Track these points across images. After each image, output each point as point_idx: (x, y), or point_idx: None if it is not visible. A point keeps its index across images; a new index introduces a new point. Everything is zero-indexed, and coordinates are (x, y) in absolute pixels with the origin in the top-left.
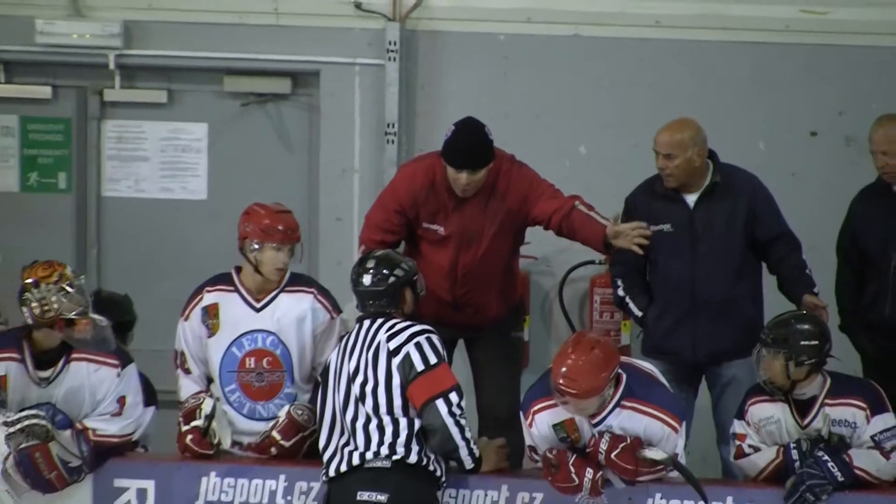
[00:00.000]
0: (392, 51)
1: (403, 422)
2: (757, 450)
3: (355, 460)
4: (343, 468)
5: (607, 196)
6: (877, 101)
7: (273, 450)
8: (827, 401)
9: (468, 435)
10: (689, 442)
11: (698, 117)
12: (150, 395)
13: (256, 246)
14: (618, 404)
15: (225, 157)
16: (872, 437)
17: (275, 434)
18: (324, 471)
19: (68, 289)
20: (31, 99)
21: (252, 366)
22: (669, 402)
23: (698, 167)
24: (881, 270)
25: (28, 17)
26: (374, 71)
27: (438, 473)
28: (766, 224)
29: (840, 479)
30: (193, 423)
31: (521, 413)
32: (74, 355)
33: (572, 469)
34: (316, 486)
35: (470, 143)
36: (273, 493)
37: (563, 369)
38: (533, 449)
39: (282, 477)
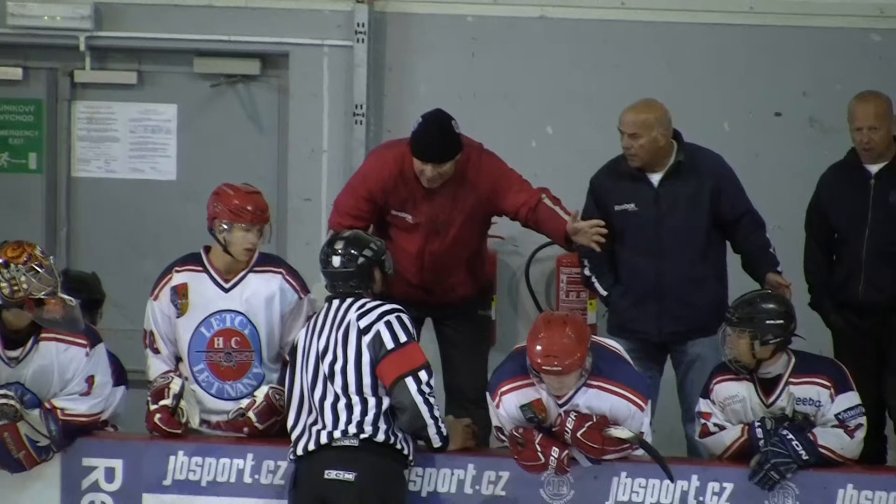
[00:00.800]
0: (360, 32)
1: (372, 401)
2: (722, 428)
3: (323, 439)
4: (311, 447)
5: (573, 175)
6: (841, 83)
7: (246, 430)
8: (792, 379)
9: (437, 413)
10: (655, 420)
11: (664, 98)
12: (121, 375)
13: (225, 226)
14: (584, 382)
15: (195, 138)
16: (837, 416)
17: (251, 415)
18: (291, 449)
19: (38, 269)
20: (2, 80)
21: (221, 346)
22: (635, 380)
23: (663, 147)
24: (853, 249)
25: None
26: (343, 52)
27: (406, 452)
28: (730, 203)
29: (804, 457)
30: (162, 403)
31: (487, 394)
32: (44, 335)
33: (539, 448)
34: (283, 464)
35: (436, 136)
36: (241, 472)
37: (540, 348)
38: (499, 429)
39: (249, 456)
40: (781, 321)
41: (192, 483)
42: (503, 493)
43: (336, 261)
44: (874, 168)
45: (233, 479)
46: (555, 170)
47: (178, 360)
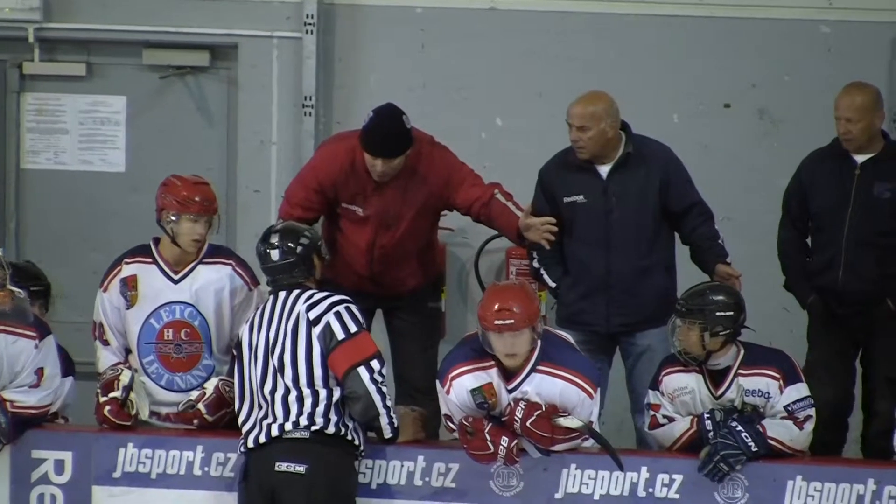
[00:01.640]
0: (310, 24)
1: (323, 393)
2: (671, 420)
3: (275, 432)
4: (262, 439)
5: (523, 167)
6: (790, 74)
7: (196, 422)
8: (741, 371)
9: (389, 403)
10: (604, 412)
11: (613, 90)
12: (68, 366)
13: (174, 217)
14: (533, 369)
15: (144, 130)
16: (786, 407)
17: (200, 407)
18: (242, 441)
19: None
20: None
21: (170, 337)
22: (585, 367)
23: (611, 139)
24: (833, 237)
25: None
26: (293, 44)
27: (357, 443)
28: (678, 194)
29: (754, 448)
30: (112, 395)
31: (437, 381)
32: None
33: (488, 437)
34: (233, 456)
35: (386, 130)
36: (190, 464)
37: (497, 305)
38: (449, 418)
39: (199, 448)
40: (731, 313)
41: (141, 475)
42: (453, 485)
43: (275, 254)
44: (860, 158)
45: (182, 471)
46: (504, 162)
47: (128, 351)
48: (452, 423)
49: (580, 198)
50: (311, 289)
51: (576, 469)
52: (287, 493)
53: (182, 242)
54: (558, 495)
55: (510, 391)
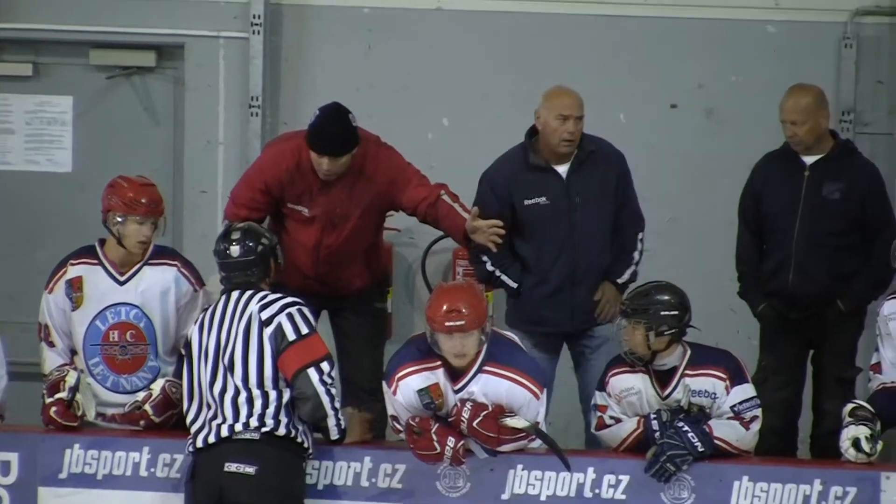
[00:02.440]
0: (257, 24)
1: (273, 394)
2: (618, 421)
3: (224, 432)
4: (212, 439)
5: (469, 167)
6: (736, 74)
7: (142, 423)
8: (687, 371)
9: (337, 405)
10: (552, 412)
11: None
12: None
13: (120, 219)
14: (479, 369)
15: (90, 130)
16: (732, 408)
17: (147, 408)
18: (191, 442)
19: None
20: None
21: (116, 339)
22: (531, 367)
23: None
24: (785, 238)
25: None
26: (239, 44)
27: (306, 445)
28: (625, 194)
29: (700, 449)
30: (58, 396)
31: (384, 382)
32: None
33: (435, 437)
34: (180, 457)
35: (332, 129)
36: (137, 465)
37: (446, 306)
38: (395, 418)
39: (146, 449)
40: (676, 312)
41: (88, 476)
42: (399, 486)
43: (235, 251)
44: (810, 160)
45: (129, 472)
46: (450, 162)
47: (74, 353)
48: (399, 423)
49: (542, 199)
50: (264, 290)
51: (522, 470)
52: (235, 493)
53: (128, 244)
54: (505, 496)
55: (457, 391)
